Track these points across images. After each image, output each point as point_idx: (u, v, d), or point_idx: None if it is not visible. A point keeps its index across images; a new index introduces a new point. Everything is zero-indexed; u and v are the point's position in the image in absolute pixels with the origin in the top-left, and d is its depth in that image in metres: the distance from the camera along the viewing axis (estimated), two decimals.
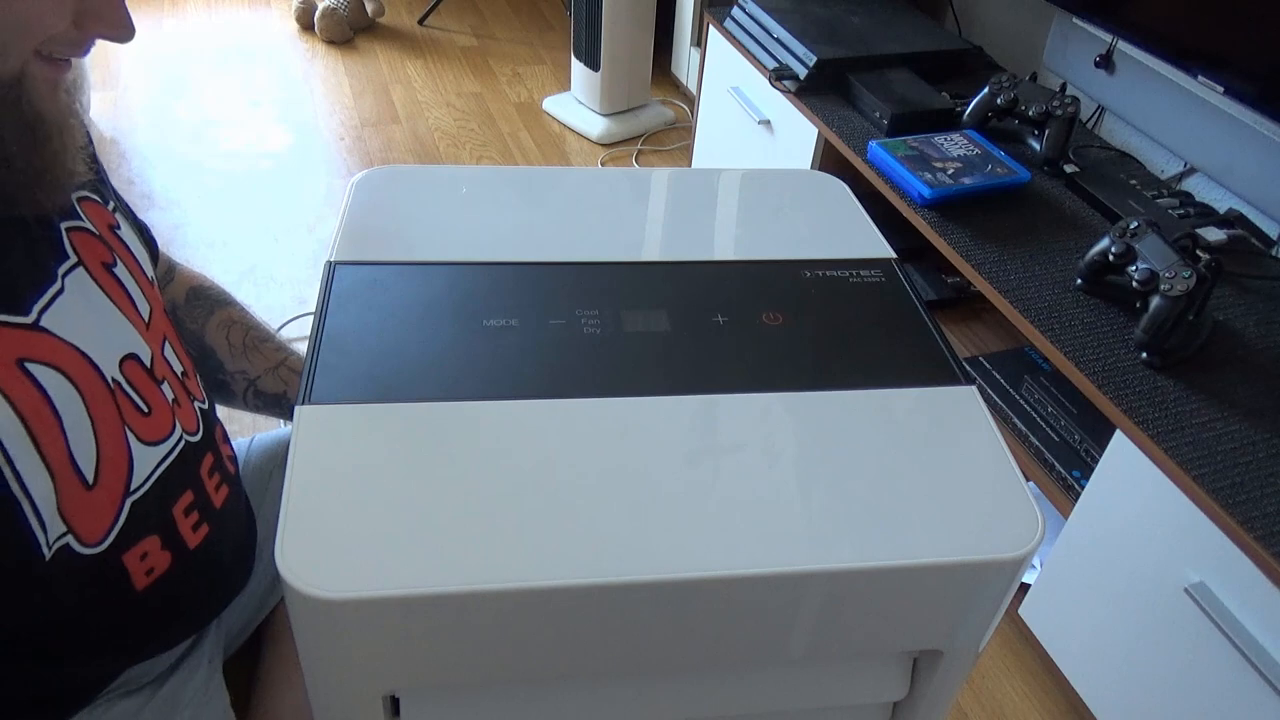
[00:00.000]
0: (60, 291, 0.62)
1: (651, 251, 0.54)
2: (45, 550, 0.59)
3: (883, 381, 0.46)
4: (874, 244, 0.57)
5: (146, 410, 0.67)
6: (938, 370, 0.47)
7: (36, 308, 0.60)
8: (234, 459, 0.85)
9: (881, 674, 0.46)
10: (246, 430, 1.51)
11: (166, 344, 0.72)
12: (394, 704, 0.42)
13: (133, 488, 0.66)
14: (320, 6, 2.66)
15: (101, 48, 2.64)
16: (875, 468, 0.42)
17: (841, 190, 0.63)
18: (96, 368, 0.64)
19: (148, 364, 0.69)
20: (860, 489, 0.41)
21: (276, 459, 1.00)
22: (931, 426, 0.45)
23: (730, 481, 0.40)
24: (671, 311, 0.49)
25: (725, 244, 0.56)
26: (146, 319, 0.70)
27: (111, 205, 0.72)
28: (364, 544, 0.37)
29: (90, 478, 0.62)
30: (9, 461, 0.57)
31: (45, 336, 0.60)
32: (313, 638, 0.39)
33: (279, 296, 1.76)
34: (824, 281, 0.53)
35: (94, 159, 0.69)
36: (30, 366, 0.59)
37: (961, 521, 0.40)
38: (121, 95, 2.39)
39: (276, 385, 0.90)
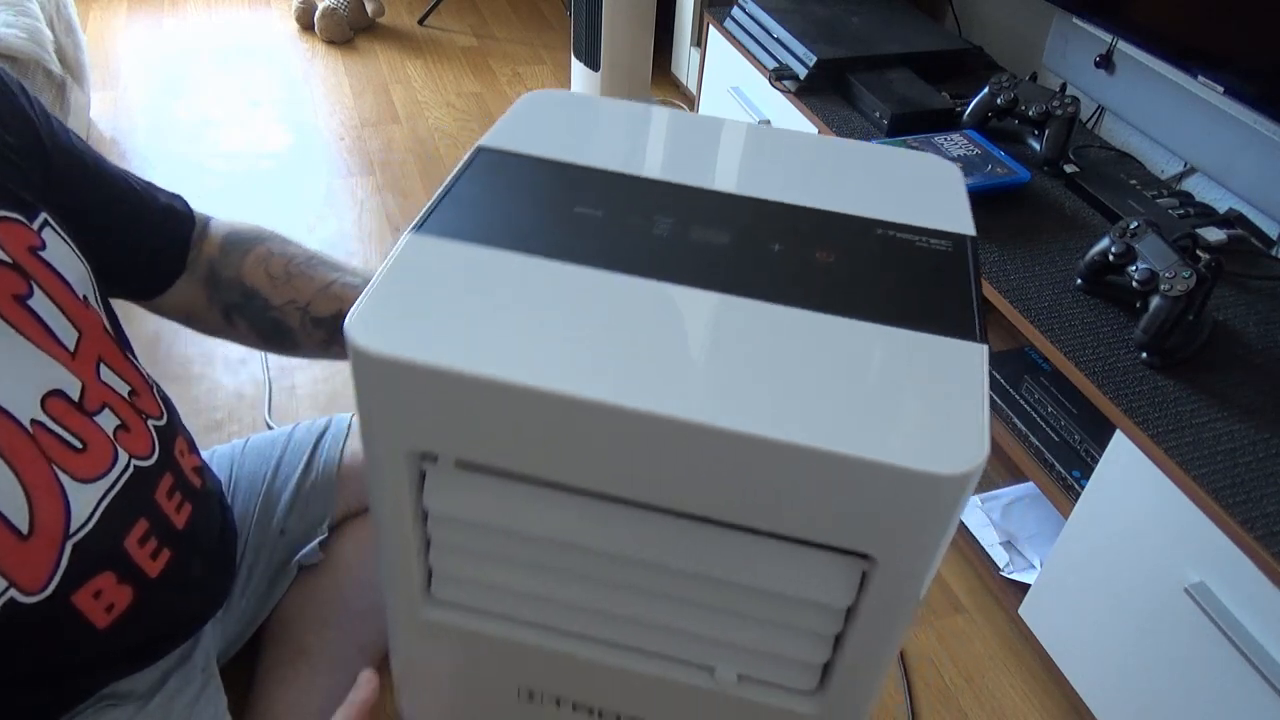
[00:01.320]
0: None
1: (743, 188, 0.59)
2: None
3: (899, 323, 0.49)
4: (960, 222, 0.59)
5: (80, 446, 0.64)
6: (956, 325, 0.50)
7: None
8: (202, 469, 0.81)
9: (830, 572, 0.49)
10: (246, 431, 1.51)
11: (102, 367, 0.69)
12: (421, 478, 0.51)
13: (72, 530, 0.64)
14: (320, 6, 2.65)
15: (101, 48, 2.64)
16: (855, 378, 0.46)
17: (955, 176, 0.64)
18: (9, 415, 0.60)
19: (76, 397, 0.65)
20: (832, 389, 0.45)
21: (270, 461, 0.99)
22: (925, 363, 0.48)
23: (722, 358, 0.46)
24: (736, 233, 0.54)
25: (815, 194, 0.60)
26: (73, 348, 0.66)
27: (39, 221, 0.66)
28: (422, 325, 0.46)
29: (25, 529, 0.60)
30: None
31: None
32: (363, 392, 0.48)
33: None
34: (891, 240, 0.56)
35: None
36: None
37: (908, 434, 0.43)
38: (121, 95, 2.39)
39: (330, 305, 0.82)
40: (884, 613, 0.50)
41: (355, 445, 1.01)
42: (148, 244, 0.80)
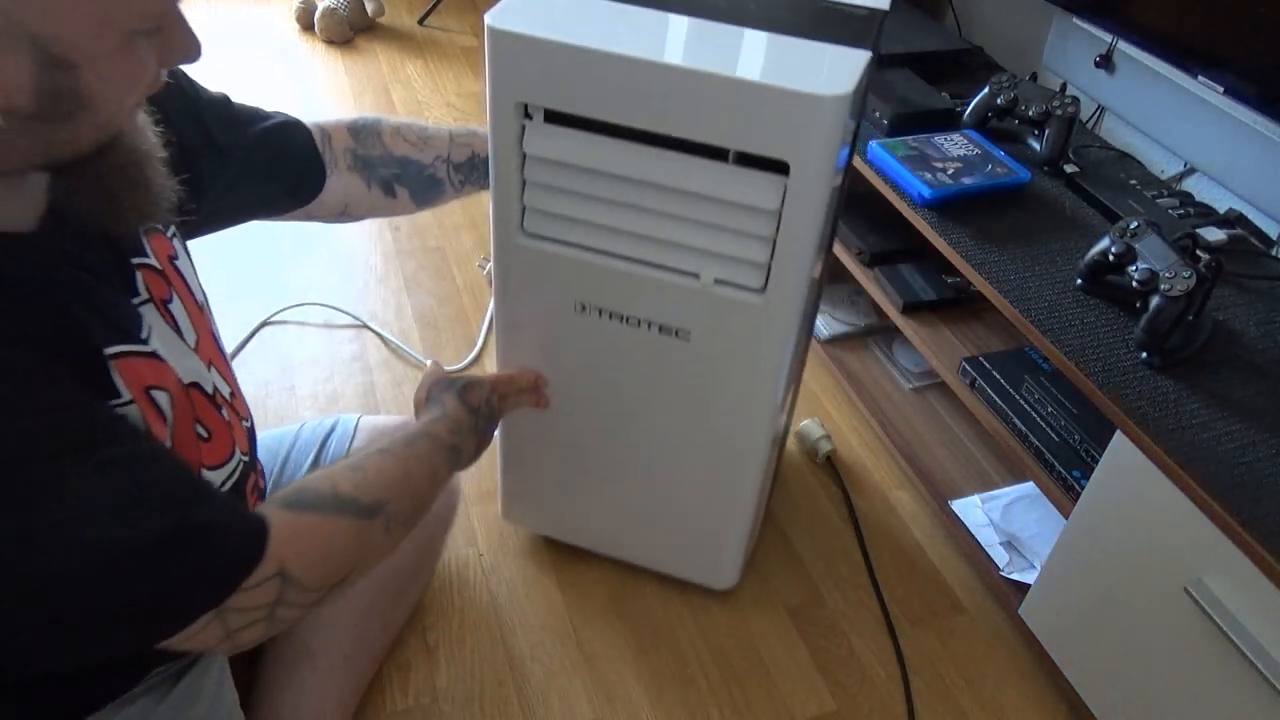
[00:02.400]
0: (149, 323, 0.65)
1: None
2: None
3: (822, 38, 0.87)
4: (881, 5, 0.95)
5: (206, 435, 0.70)
6: (857, 41, 0.87)
7: (142, 336, 0.64)
8: (264, 472, 0.87)
9: (763, 183, 0.84)
10: None
11: (213, 369, 0.74)
12: (522, 131, 0.87)
13: None
14: (320, 6, 2.66)
15: None
16: (783, 56, 0.84)
17: None
18: (185, 390, 0.67)
19: (209, 390, 0.71)
20: (768, 57, 0.83)
21: (277, 459, 1.00)
22: (830, 53, 0.84)
23: (704, 43, 0.85)
24: (734, 4, 0.91)
25: None
26: (194, 348, 0.72)
27: (171, 232, 0.74)
28: (531, 18, 0.81)
29: None
30: None
31: (161, 363, 0.64)
32: (492, 60, 0.83)
33: (279, 294, 1.76)
34: (829, 8, 0.93)
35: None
36: (153, 393, 0.62)
37: (804, 76, 0.79)
38: None
39: (463, 152, 1.01)
40: (799, 216, 0.85)
41: (359, 446, 1.01)
42: (297, 156, 0.90)
